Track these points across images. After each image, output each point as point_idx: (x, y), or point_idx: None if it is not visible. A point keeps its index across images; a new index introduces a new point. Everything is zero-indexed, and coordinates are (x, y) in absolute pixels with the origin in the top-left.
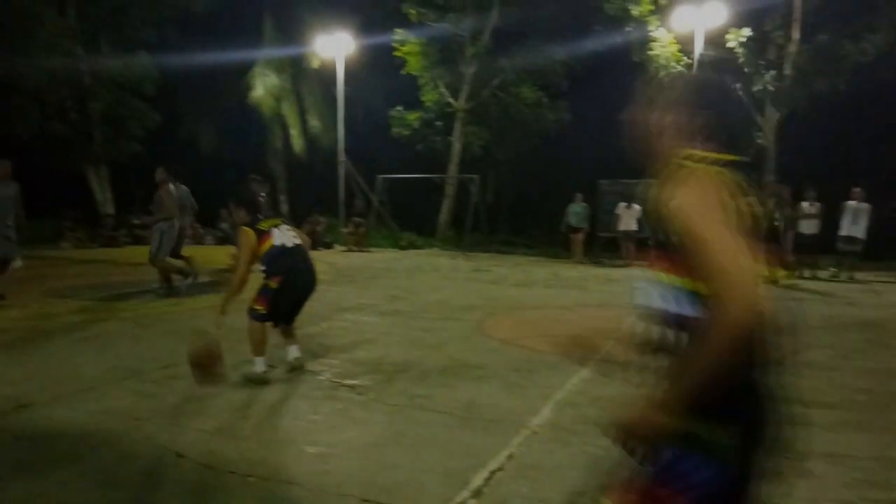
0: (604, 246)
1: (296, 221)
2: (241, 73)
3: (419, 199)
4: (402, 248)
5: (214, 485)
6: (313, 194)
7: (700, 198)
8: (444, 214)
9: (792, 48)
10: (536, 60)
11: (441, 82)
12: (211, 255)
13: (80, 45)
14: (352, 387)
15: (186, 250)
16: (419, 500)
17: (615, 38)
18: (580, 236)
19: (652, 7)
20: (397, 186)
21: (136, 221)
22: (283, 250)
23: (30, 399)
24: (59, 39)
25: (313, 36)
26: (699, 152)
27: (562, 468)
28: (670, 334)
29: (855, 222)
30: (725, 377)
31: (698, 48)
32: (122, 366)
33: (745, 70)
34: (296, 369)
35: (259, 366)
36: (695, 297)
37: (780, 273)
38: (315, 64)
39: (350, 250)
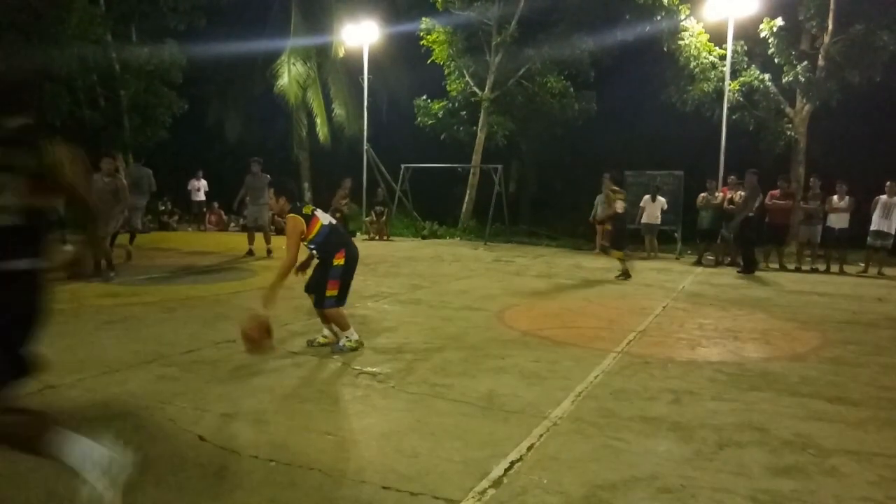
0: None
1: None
2: (268, 62)
3: (441, 188)
4: (424, 237)
5: (236, 468)
6: (337, 182)
7: None
8: (467, 204)
9: (826, 38)
10: (563, 50)
11: (466, 71)
12: (234, 242)
13: (109, 33)
14: (372, 374)
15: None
16: (439, 489)
17: (644, 28)
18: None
19: None
20: (420, 175)
21: (162, 208)
22: (332, 228)
23: (55, 381)
24: (90, 27)
25: (340, 25)
26: None
27: (582, 460)
28: None
29: (886, 217)
30: None
31: (730, 38)
32: (146, 349)
33: (776, 61)
34: (317, 345)
35: (353, 334)
36: None
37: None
38: (341, 53)
39: (372, 239)
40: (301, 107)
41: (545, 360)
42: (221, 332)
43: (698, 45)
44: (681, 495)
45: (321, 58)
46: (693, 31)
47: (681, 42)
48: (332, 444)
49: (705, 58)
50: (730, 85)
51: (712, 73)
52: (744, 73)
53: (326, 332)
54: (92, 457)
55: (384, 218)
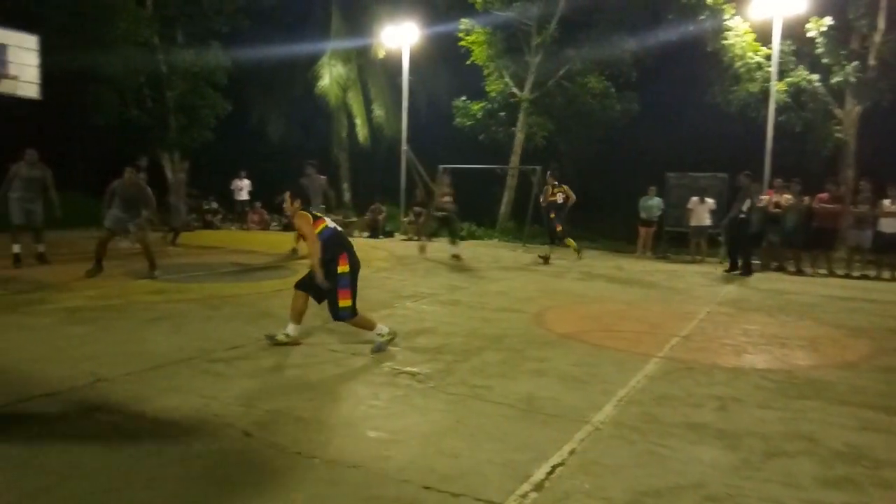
0: (670, 241)
1: (358, 210)
2: (309, 64)
3: (480, 189)
4: (462, 238)
5: (281, 464)
6: (375, 183)
7: None
8: (505, 205)
9: (877, 38)
10: (604, 50)
11: (506, 72)
12: (276, 241)
13: (156, 36)
14: (412, 374)
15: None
16: (480, 491)
17: (687, 28)
18: (651, 230)
19: None
20: (458, 176)
21: (207, 207)
22: (335, 231)
23: (106, 374)
24: (137, 29)
25: (380, 26)
26: None
27: (626, 466)
28: None
29: None
30: None
31: (776, 37)
32: (192, 345)
33: (824, 61)
34: (278, 345)
35: (382, 328)
36: None
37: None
38: (381, 54)
39: (410, 239)
40: (341, 108)
41: (585, 363)
42: (264, 330)
43: (744, 44)
44: None
45: (361, 59)
46: (738, 31)
47: (725, 42)
48: (373, 443)
49: (751, 58)
50: (776, 85)
51: (758, 73)
52: (791, 74)
53: (290, 330)
54: None
55: (422, 218)
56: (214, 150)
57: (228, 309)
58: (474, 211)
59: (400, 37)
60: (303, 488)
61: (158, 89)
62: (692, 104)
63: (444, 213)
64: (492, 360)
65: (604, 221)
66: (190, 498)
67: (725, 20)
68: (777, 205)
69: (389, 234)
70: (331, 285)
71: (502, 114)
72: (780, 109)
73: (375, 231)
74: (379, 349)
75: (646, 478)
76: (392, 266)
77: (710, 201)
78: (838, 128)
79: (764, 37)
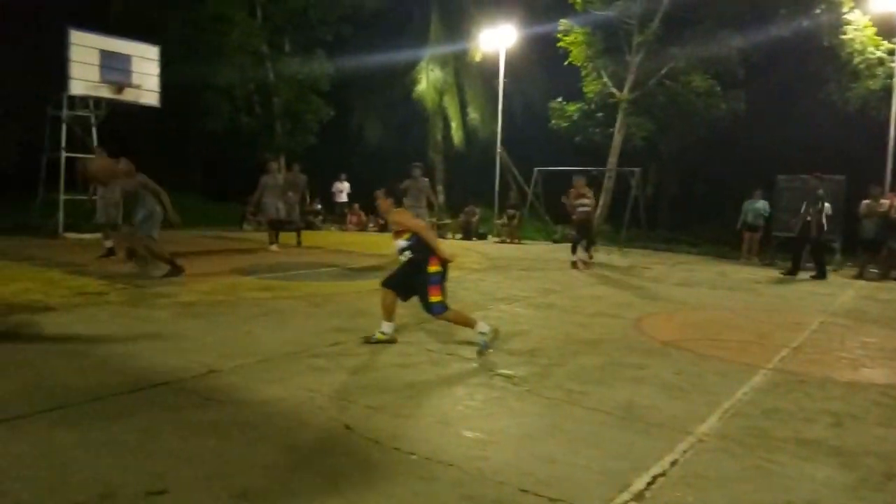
0: (778, 247)
1: (452, 212)
2: (407, 69)
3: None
4: (556, 241)
5: (379, 459)
6: (469, 185)
7: None
8: (601, 208)
9: None
10: (709, 47)
11: (604, 72)
12: (374, 242)
13: (265, 44)
14: (507, 376)
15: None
16: (577, 497)
17: (800, 23)
18: (756, 235)
19: None
20: (553, 179)
21: (310, 208)
22: None
23: (217, 366)
24: (249, 39)
25: (477, 29)
26: None
27: (731, 480)
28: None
29: None
30: None
31: None
32: (296, 340)
33: None
34: (375, 343)
35: (482, 326)
36: None
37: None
38: (477, 57)
39: (503, 241)
40: (437, 111)
41: (688, 372)
42: (362, 327)
43: (864, 39)
44: None
45: (458, 63)
46: (858, 25)
47: (844, 36)
48: (470, 443)
49: (872, 53)
50: None
51: (879, 69)
52: None
53: (385, 328)
54: None
55: (515, 221)
56: (317, 153)
57: (330, 307)
58: (569, 214)
59: (497, 39)
60: (403, 483)
61: (266, 96)
62: (804, 103)
63: (580, 219)
64: (588, 366)
65: (706, 225)
66: (302, 487)
67: (844, 13)
68: None
69: (482, 237)
70: (419, 281)
71: (600, 115)
72: None
73: (468, 233)
74: (485, 348)
75: (753, 493)
76: (486, 268)
77: (827, 206)
78: None
79: (886, 31)
